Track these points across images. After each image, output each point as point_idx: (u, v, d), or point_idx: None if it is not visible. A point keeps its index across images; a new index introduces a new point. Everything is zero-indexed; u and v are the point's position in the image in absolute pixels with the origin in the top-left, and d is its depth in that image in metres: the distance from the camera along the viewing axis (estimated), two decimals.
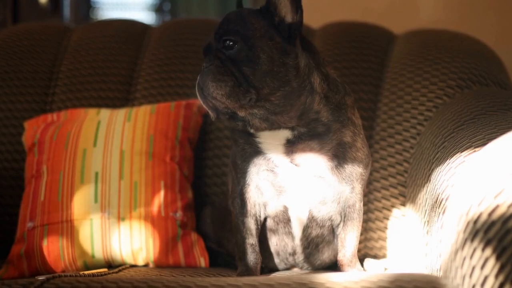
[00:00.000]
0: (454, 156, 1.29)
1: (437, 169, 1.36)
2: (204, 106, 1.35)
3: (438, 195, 1.25)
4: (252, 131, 1.38)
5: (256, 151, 1.40)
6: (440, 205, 1.22)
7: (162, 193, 1.67)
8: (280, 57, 1.32)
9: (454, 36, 1.96)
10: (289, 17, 1.35)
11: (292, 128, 1.37)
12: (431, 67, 1.82)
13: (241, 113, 1.34)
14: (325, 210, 1.43)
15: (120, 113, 1.80)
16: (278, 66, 1.32)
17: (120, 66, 2.00)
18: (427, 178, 1.44)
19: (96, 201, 1.65)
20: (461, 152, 1.28)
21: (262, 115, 1.34)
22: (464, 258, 0.95)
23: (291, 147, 1.38)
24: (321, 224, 1.46)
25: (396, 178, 1.77)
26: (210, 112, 1.35)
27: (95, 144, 1.72)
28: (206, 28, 2.05)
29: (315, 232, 1.47)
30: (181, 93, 1.93)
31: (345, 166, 1.39)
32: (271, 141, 1.39)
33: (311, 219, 1.44)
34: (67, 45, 2.07)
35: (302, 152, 1.38)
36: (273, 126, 1.36)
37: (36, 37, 2.07)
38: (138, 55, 2.03)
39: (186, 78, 1.95)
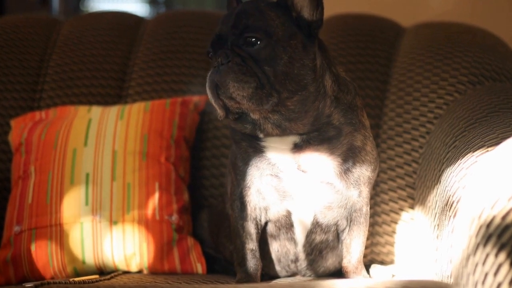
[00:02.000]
0: (466, 156, 1.29)
1: (448, 169, 1.36)
2: (214, 104, 1.32)
3: (449, 197, 1.25)
4: (261, 135, 1.36)
5: (260, 155, 1.39)
6: (451, 208, 1.22)
7: (156, 195, 1.67)
8: (301, 58, 1.31)
9: (466, 29, 1.96)
10: (306, 13, 1.33)
11: (298, 134, 1.36)
12: (442, 62, 1.82)
13: (255, 115, 1.32)
14: (331, 215, 1.43)
15: (112, 111, 1.80)
16: (298, 68, 1.30)
17: (112, 61, 1.99)
18: (437, 179, 1.44)
19: (87, 203, 1.65)
20: (473, 151, 1.28)
21: (275, 120, 1.32)
22: (476, 264, 0.95)
23: (298, 151, 1.37)
24: (326, 230, 1.46)
25: (404, 179, 1.77)
26: (218, 111, 1.32)
27: (85, 144, 1.72)
28: (203, 21, 2.05)
29: (319, 237, 1.47)
30: (176, 90, 1.93)
31: (354, 170, 1.39)
32: (278, 146, 1.38)
33: (316, 224, 1.44)
34: (56, 39, 2.07)
35: (310, 157, 1.37)
36: (285, 132, 1.34)
37: (24, 30, 2.07)
38: (131, 49, 2.03)
39: (182, 73, 1.95)
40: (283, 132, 1.34)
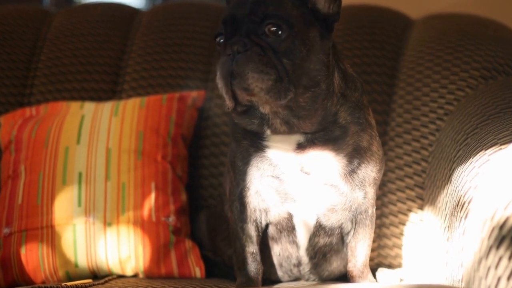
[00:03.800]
0: (478, 155, 1.29)
1: (459, 168, 1.36)
2: (224, 95, 1.29)
3: (460, 198, 1.25)
4: (268, 132, 1.35)
5: (261, 155, 1.39)
6: (462, 208, 1.22)
7: (153, 195, 1.68)
8: (318, 53, 1.30)
9: (477, 21, 1.96)
10: (322, 5, 1.32)
11: (304, 132, 1.36)
12: (452, 56, 1.82)
13: (265, 109, 1.31)
14: (335, 218, 1.43)
15: (106, 107, 1.80)
16: (315, 63, 1.30)
17: (106, 55, 1.99)
18: (447, 178, 1.44)
19: (79, 204, 1.65)
20: (486, 150, 1.28)
21: (285, 116, 1.32)
22: (489, 268, 0.95)
23: (301, 152, 1.37)
24: (329, 233, 1.46)
25: (413, 178, 1.77)
26: (227, 102, 1.29)
27: (78, 141, 1.72)
28: (202, 13, 2.05)
29: (322, 240, 1.47)
30: (173, 85, 1.93)
31: (359, 172, 1.39)
32: (281, 145, 1.37)
33: (319, 227, 1.44)
34: (47, 32, 2.06)
35: (314, 158, 1.37)
36: (292, 130, 1.34)
37: (13, 22, 2.07)
38: (126, 43, 2.03)
39: (179, 67, 1.95)
40: (290, 129, 1.34)
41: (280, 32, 1.26)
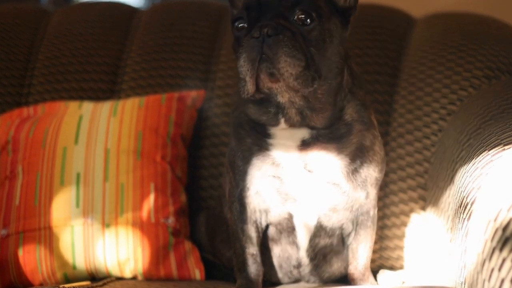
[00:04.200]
0: (481, 155, 1.29)
1: (462, 169, 1.36)
2: (247, 78, 1.26)
3: (463, 199, 1.25)
4: (283, 123, 1.34)
5: (264, 154, 1.39)
6: (465, 210, 1.21)
7: (152, 196, 1.67)
8: (338, 45, 1.32)
9: (480, 20, 1.96)
10: None
11: (312, 127, 1.36)
12: (455, 55, 1.82)
13: (284, 98, 1.32)
14: (336, 218, 1.43)
15: (105, 107, 1.80)
16: (335, 55, 1.31)
17: (104, 54, 1.99)
18: (450, 179, 1.44)
19: (78, 205, 1.65)
20: (489, 150, 1.28)
21: (300, 106, 1.33)
22: (492, 270, 0.95)
23: (305, 149, 1.37)
24: (330, 233, 1.46)
25: (415, 179, 1.76)
26: (249, 86, 1.27)
27: (76, 142, 1.71)
28: (202, 12, 2.05)
29: (323, 241, 1.47)
30: (173, 84, 1.93)
31: (361, 171, 1.39)
32: (285, 142, 1.37)
33: (319, 228, 1.44)
34: (45, 31, 2.06)
35: (317, 156, 1.37)
36: (303, 123, 1.35)
37: (10, 21, 2.07)
38: (125, 42, 2.03)
39: (178, 67, 1.95)
40: (302, 121, 1.34)
41: (308, 20, 1.27)
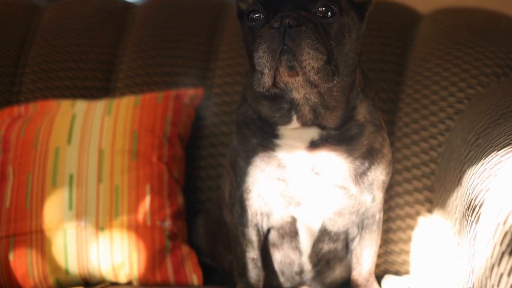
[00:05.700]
0: (490, 156, 1.29)
1: (470, 170, 1.35)
2: (266, 70, 1.24)
3: (471, 201, 1.25)
4: (295, 121, 1.34)
5: (269, 155, 1.38)
6: (473, 212, 1.21)
7: (147, 198, 1.67)
8: (354, 41, 1.32)
9: (488, 15, 1.96)
10: None
11: (322, 127, 1.36)
12: (463, 52, 1.82)
13: (299, 94, 1.31)
14: (342, 222, 1.43)
15: (99, 106, 1.80)
16: (352, 51, 1.32)
17: (99, 51, 1.99)
18: (457, 181, 1.44)
19: (70, 208, 1.65)
20: (498, 150, 1.28)
21: (314, 104, 1.33)
22: (501, 275, 0.94)
23: (313, 150, 1.36)
24: (335, 238, 1.46)
25: (421, 181, 1.76)
26: (266, 79, 1.25)
27: (69, 142, 1.71)
28: (199, 7, 2.05)
29: (327, 247, 1.47)
30: (169, 82, 1.93)
31: (369, 174, 1.39)
32: (293, 143, 1.37)
33: (324, 232, 1.44)
34: (37, 26, 2.06)
35: (326, 158, 1.37)
36: (316, 121, 1.34)
37: (0, 17, 2.07)
38: (119, 38, 2.03)
39: (175, 64, 1.95)
40: (314, 119, 1.34)
41: (329, 13, 1.27)
